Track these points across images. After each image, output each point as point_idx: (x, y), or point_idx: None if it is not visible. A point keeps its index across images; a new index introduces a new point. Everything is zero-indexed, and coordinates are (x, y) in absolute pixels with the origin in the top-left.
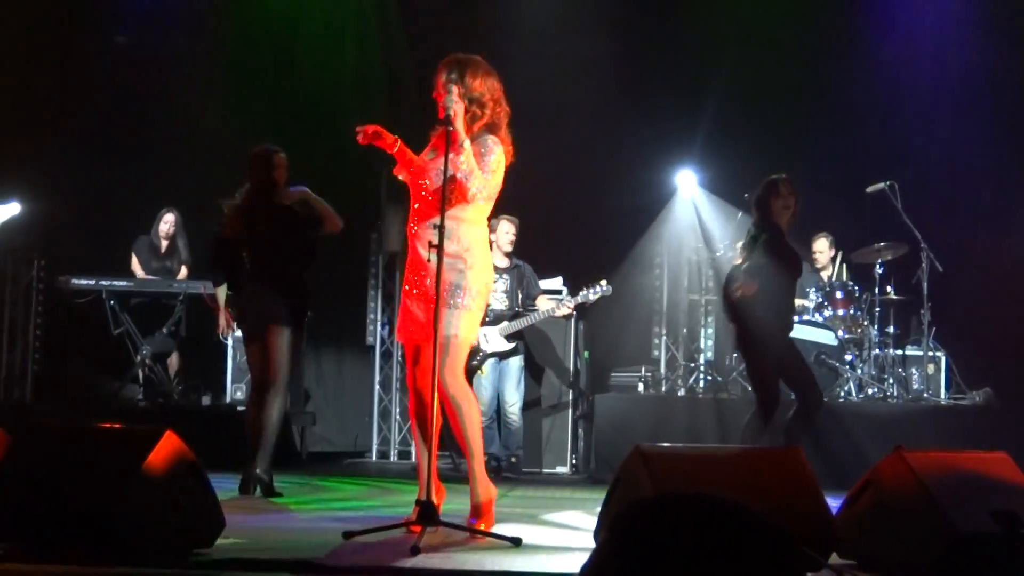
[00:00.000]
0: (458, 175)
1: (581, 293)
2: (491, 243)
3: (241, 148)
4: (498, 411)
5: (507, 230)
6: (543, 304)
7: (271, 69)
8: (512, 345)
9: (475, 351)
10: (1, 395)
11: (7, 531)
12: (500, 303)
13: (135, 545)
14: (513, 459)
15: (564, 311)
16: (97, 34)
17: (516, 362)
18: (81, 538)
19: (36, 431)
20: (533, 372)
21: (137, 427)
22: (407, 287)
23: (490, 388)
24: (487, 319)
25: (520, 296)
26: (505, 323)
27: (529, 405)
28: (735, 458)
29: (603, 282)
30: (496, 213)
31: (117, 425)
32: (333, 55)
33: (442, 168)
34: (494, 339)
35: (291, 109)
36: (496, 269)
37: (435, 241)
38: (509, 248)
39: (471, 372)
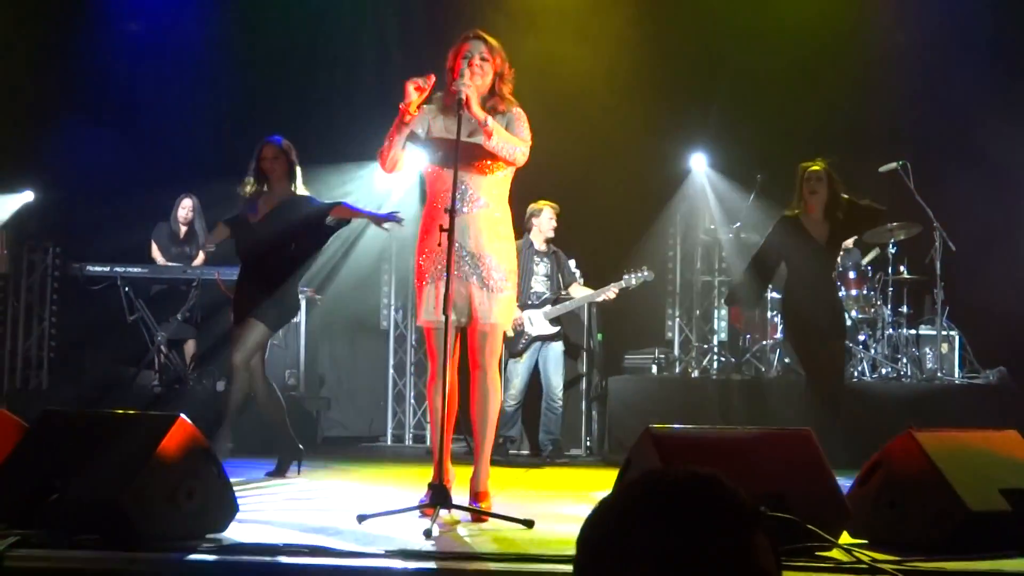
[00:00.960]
0: (502, 156)
1: (624, 278)
2: (533, 227)
3: (258, 131)
4: (526, 396)
5: (550, 216)
6: (581, 291)
7: (289, 52)
8: (556, 329)
9: (519, 335)
10: (17, 382)
11: (22, 518)
12: (543, 287)
13: (148, 531)
14: (551, 445)
15: (610, 295)
16: (109, 22)
17: (558, 347)
18: (95, 525)
19: (50, 418)
20: None
21: (150, 413)
22: (441, 269)
23: (524, 373)
24: (531, 303)
25: (560, 280)
26: (549, 307)
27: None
28: (746, 439)
29: (645, 268)
30: (527, 196)
31: (130, 412)
32: (351, 39)
33: (480, 146)
34: (539, 323)
35: (309, 94)
36: (537, 253)
37: (478, 226)
38: (551, 234)
39: (516, 356)
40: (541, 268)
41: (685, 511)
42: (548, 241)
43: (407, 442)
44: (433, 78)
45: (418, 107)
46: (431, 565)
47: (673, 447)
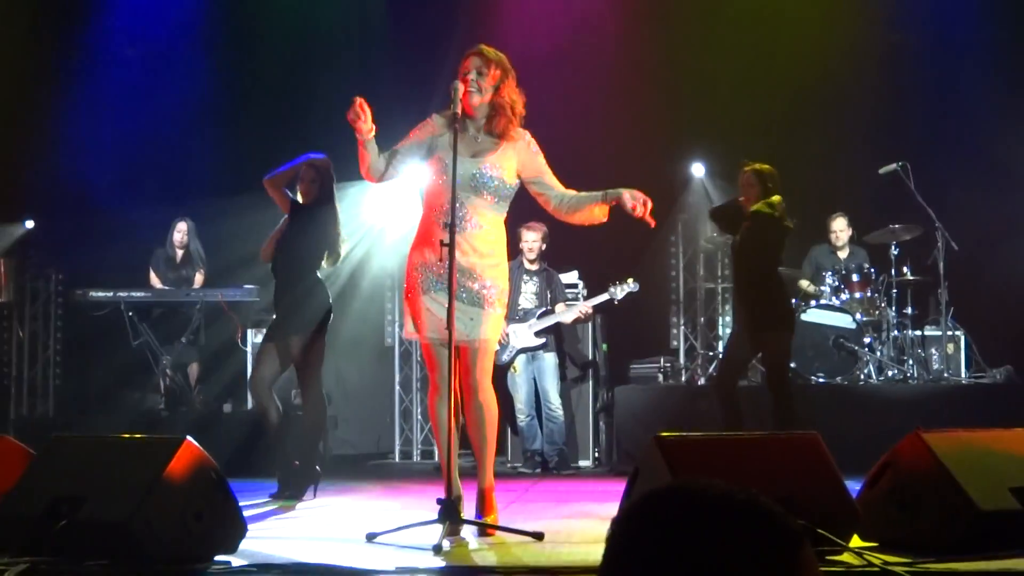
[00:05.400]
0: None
1: (609, 290)
2: (522, 249)
3: (253, 153)
4: (538, 408)
5: (532, 238)
6: (558, 309)
7: (283, 72)
8: (541, 341)
9: (503, 347)
10: (24, 409)
11: (31, 545)
12: (530, 303)
13: (158, 554)
14: (557, 456)
15: (571, 318)
16: (105, 48)
17: (551, 358)
18: (104, 549)
19: (57, 444)
20: None
21: (157, 437)
22: (437, 283)
23: (525, 385)
24: (516, 317)
25: (549, 298)
26: (533, 320)
27: None
28: (754, 444)
29: (631, 280)
30: (528, 210)
31: (137, 436)
32: (347, 57)
33: (488, 167)
34: (523, 335)
35: (306, 114)
36: (527, 272)
37: (473, 244)
38: (533, 256)
39: (504, 369)
40: (530, 286)
41: (731, 530)
42: (536, 260)
43: (415, 459)
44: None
45: (371, 130)
46: None
47: (680, 454)
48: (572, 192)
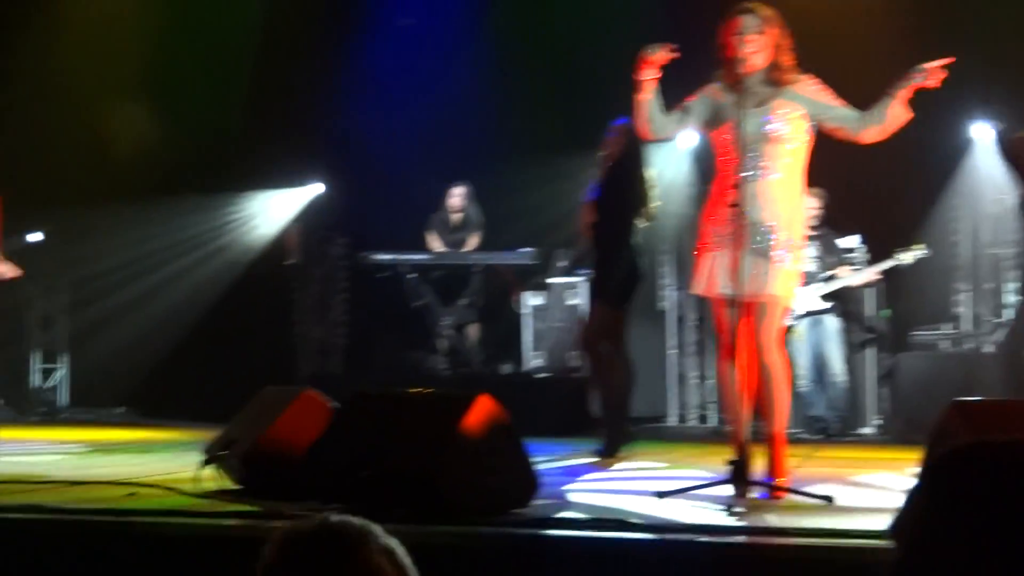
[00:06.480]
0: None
1: (895, 255)
2: None
3: (529, 120)
4: (819, 373)
5: (810, 205)
6: (842, 273)
7: (567, 38)
8: (827, 305)
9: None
10: (316, 367)
11: (338, 493)
12: (811, 266)
13: (454, 505)
14: (839, 422)
15: (859, 281)
16: (386, 17)
17: (835, 323)
18: (404, 499)
19: (359, 399)
20: None
21: (453, 392)
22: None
23: (808, 351)
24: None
25: (829, 262)
26: (819, 283)
27: None
28: None
29: (922, 244)
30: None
31: (433, 391)
32: (627, 21)
33: (776, 113)
34: (807, 298)
35: (590, 80)
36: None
37: (769, 194)
38: (815, 222)
39: (786, 333)
40: (810, 250)
41: None
42: (816, 227)
43: (692, 422)
44: (667, 51)
45: (654, 80)
46: (736, 540)
47: (985, 419)
48: (867, 112)
